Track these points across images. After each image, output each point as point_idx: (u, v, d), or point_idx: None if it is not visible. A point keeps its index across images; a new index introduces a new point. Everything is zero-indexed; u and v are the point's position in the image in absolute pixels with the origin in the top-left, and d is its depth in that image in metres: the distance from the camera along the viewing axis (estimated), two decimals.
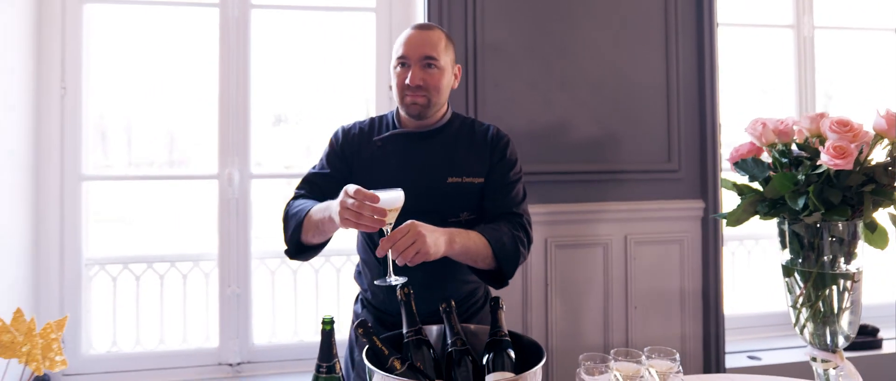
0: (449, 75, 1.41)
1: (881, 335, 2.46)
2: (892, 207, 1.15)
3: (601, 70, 2.15)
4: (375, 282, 1.25)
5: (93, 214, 2.22)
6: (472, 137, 1.44)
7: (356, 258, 1.55)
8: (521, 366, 1.06)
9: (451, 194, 1.37)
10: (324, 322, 1.09)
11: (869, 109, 1.15)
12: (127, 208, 2.42)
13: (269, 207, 2.30)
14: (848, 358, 1.17)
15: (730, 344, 2.41)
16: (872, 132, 1.09)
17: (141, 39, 2.25)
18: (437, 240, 1.19)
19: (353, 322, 1.53)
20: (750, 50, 2.68)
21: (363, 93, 2.39)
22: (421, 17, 2.12)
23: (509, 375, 1.03)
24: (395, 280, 1.20)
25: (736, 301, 2.63)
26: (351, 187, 1.12)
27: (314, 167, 1.47)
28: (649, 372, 1.18)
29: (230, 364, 2.19)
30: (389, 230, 1.15)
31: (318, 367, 1.08)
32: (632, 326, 2.18)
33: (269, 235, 2.28)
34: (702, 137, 2.23)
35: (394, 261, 1.16)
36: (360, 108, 2.41)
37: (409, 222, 1.17)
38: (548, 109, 2.12)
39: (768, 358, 2.33)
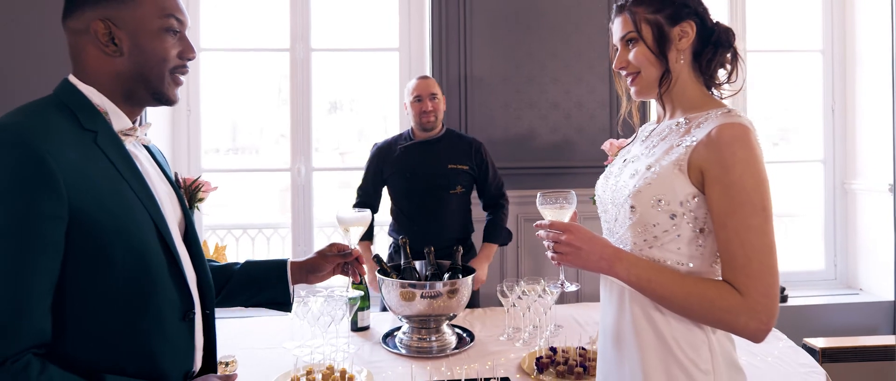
0: (443, 103, 2.42)
1: (787, 292, 3.18)
2: None
3: (558, 93, 2.96)
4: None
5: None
6: (458, 142, 2.47)
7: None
8: None
9: (450, 175, 2.39)
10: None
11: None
12: (228, 191, 3.44)
13: (325, 190, 3.26)
14: None
15: None
16: None
17: (236, 73, 3.23)
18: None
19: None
20: None
21: (387, 102, 3.30)
22: (428, 55, 2.99)
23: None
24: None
25: None
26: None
27: (362, 185, 2.51)
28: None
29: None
30: (351, 241, 1.51)
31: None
32: (581, 276, 3.01)
33: (324, 211, 3.24)
34: None
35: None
36: (387, 115, 3.32)
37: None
38: (518, 123, 2.95)
39: None
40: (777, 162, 3.54)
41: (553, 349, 1.79)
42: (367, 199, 2.50)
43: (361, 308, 2.09)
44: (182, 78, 1.00)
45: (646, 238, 1.04)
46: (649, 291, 1.00)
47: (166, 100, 0.98)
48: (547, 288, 2.04)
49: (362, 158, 2.65)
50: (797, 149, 3.62)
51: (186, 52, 0.98)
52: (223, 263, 1.31)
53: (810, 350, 2.69)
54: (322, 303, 1.89)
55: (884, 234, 3.19)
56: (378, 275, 1.96)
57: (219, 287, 1.22)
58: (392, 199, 2.51)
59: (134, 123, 0.98)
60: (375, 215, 2.49)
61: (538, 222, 1.10)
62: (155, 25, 0.93)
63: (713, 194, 0.97)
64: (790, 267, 3.42)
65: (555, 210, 1.18)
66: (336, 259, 1.33)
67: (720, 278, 1.00)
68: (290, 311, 1.31)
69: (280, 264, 1.28)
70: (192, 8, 3.11)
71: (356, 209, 1.60)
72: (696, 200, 1.00)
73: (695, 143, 1.00)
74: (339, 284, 1.88)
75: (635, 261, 1.02)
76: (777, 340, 1.93)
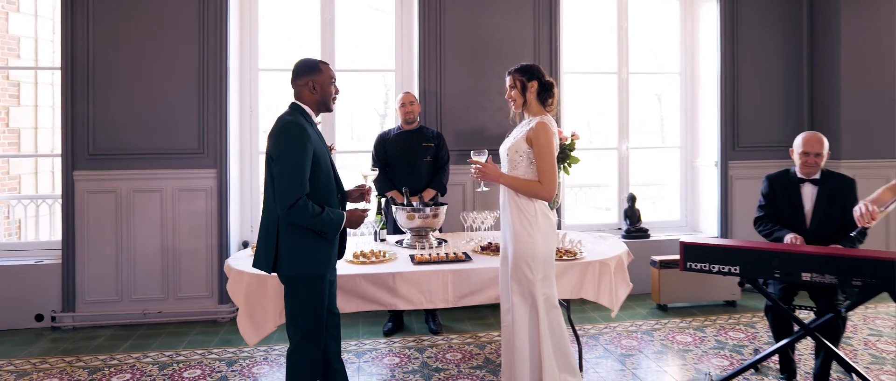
0: (418, 107, 3.99)
1: (649, 232, 4.83)
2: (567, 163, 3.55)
3: (501, 101, 4.52)
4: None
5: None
6: (427, 131, 4.04)
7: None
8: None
9: (422, 150, 3.93)
10: (378, 197, 3.56)
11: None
12: None
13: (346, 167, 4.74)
14: (630, 243, 3.58)
15: None
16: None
17: (283, 87, 4.68)
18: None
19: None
20: (592, 91, 5.00)
21: (385, 106, 4.81)
22: (416, 77, 4.51)
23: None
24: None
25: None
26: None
27: (373, 162, 3.97)
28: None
29: None
30: (367, 182, 3.43)
31: (377, 211, 3.55)
32: None
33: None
34: None
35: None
36: (382, 111, 4.84)
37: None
38: (476, 120, 4.51)
39: None
40: (651, 148, 5.18)
41: (489, 243, 3.35)
42: (381, 163, 3.98)
43: (382, 228, 3.61)
44: (336, 99, 2.48)
45: (513, 166, 2.60)
46: (513, 187, 2.56)
47: (329, 110, 2.45)
48: (489, 214, 3.62)
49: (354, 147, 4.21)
50: (665, 139, 5.28)
51: (336, 92, 2.49)
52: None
53: (653, 262, 4.36)
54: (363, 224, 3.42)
55: (712, 194, 4.88)
56: (393, 206, 3.49)
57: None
58: (388, 166, 4.03)
59: (316, 118, 2.48)
60: (381, 174, 4.03)
61: (473, 162, 2.64)
62: (327, 82, 2.41)
63: (534, 148, 2.53)
64: (658, 218, 5.08)
65: (477, 156, 2.76)
66: (358, 190, 2.63)
67: (536, 180, 2.57)
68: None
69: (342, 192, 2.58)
70: (252, 40, 4.56)
71: (372, 168, 3.10)
72: (529, 150, 2.56)
73: (529, 128, 2.55)
74: (370, 218, 3.43)
75: (508, 176, 2.58)
76: (616, 239, 3.53)
